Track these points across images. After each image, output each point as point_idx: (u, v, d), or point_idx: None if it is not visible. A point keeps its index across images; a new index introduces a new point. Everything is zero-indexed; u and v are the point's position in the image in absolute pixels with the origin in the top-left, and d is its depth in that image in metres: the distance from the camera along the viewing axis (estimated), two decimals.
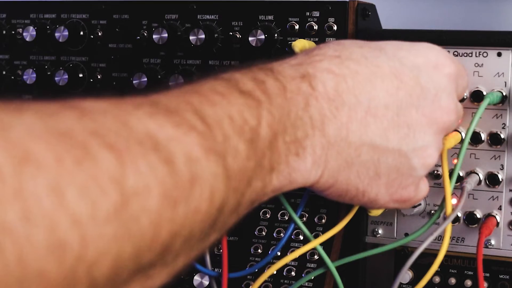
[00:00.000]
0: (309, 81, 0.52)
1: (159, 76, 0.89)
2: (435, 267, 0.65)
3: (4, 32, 0.97)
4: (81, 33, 0.94)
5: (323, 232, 0.76)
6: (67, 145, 0.34)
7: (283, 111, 0.49)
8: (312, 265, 0.79)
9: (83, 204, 0.33)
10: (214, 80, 0.48)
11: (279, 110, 0.49)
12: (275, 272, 0.81)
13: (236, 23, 0.87)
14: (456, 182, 0.72)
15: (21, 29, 0.96)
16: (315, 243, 0.69)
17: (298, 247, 0.78)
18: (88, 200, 0.33)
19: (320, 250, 0.70)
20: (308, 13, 0.83)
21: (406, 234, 0.80)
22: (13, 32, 0.97)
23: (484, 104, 0.72)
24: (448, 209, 0.64)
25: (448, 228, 0.64)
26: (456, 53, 0.77)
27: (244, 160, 0.45)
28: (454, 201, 0.76)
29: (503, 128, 0.76)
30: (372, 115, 0.54)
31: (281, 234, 0.81)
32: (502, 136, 0.76)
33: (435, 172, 0.78)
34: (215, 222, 0.44)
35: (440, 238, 0.66)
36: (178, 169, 0.39)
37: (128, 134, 0.38)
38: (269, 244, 0.82)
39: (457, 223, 0.78)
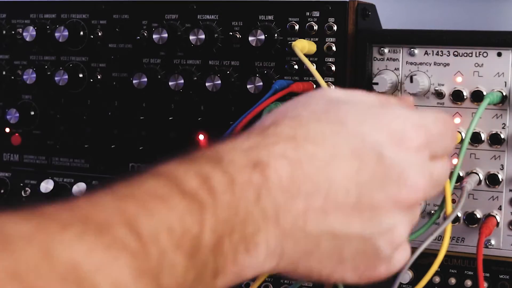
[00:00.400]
0: (261, 170, 0.47)
1: (159, 76, 0.89)
2: (435, 267, 0.65)
3: (4, 32, 0.97)
4: (81, 33, 0.93)
5: None
6: None
7: (230, 210, 0.45)
8: None
9: None
10: (154, 178, 0.44)
11: (226, 210, 0.44)
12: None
13: (236, 23, 0.87)
14: (456, 182, 0.72)
15: (21, 29, 0.96)
16: None
17: None
18: None
19: None
20: (308, 13, 0.83)
21: None
22: (13, 32, 0.97)
23: (484, 104, 0.72)
24: (448, 209, 0.64)
25: (448, 228, 0.64)
26: (456, 53, 0.77)
27: (182, 275, 0.41)
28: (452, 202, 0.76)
29: (503, 128, 0.76)
30: (331, 202, 0.49)
31: None
32: (502, 136, 0.76)
33: None
34: None
35: (440, 238, 0.65)
36: None
37: (50, 271, 0.35)
38: None
39: (457, 223, 0.78)
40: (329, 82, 0.83)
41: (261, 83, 0.83)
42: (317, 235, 0.49)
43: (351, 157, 0.50)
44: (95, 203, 0.40)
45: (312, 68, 0.76)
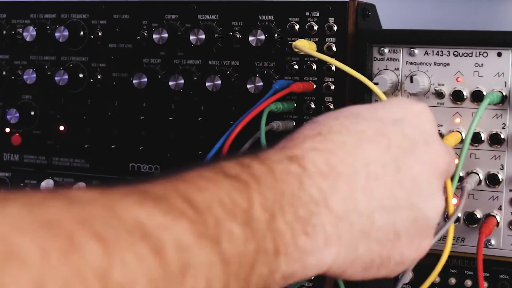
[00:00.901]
0: (298, 162, 0.49)
1: (159, 76, 0.89)
2: (439, 268, 0.65)
3: (4, 32, 0.97)
4: (81, 33, 0.93)
5: None
6: (54, 237, 0.34)
7: (275, 191, 0.47)
8: None
9: None
10: (199, 167, 0.47)
11: (271, 191, 0.46)
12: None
13: (236, 23, 0.87)
14: (457, 182, 0.72)
15: (21, 29, 0.96)
16: None
17: None
18: None
19: None
20: (308, 13, 0.83)
21: None
22: (13, 32, 0.97)
23: (484, 104, 0.72)
24: (450, 209, 0.64)
25: (451, 228, 0.64)
26: (456, 53, 0.77)
27: (242, 244, 0.43)
28: (454, 201, 0.76)
29: (503, 128, 0.76)
30: (373, 179, 0.52)
31: None
32: (502, 136, 0.76)
33: None
34: None
35: (444, 238, 0.65)
36: (168, 259, 0.38)
37: (116, 223, 0.37)
38: None
39: (457, 223, 0.78)
40: (329, 82, 0.83)
41: (261, 83, 0.83)
42: (369, 213, 0.51)
43: (378, 137, 0.53)
44: (149, 183, 0.43)
45: (322, 55, 0.77)
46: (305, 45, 0.81)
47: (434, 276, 0.66)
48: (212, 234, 0.41)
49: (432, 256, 0.64)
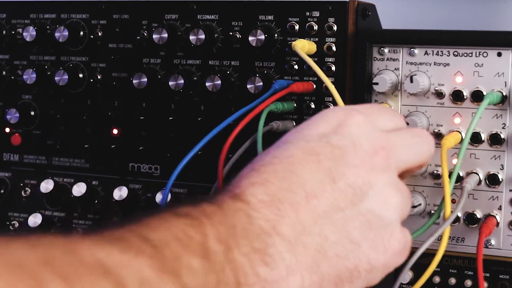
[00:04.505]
0: (240, 198, 0.51)
1: (159, 76, 0.89)
2: (433, 266, 0.65)
3: (4, 32, 0.97)
4: (81, 33, 0.93)
5: None
6: (20, 277, 0.34)
7: (227, 226, 0.48)
8: None
9: None
10: (149, 214, 0.47)
11: (223, 225, 0.48)
12: None
13: (236, 23, 0.87)
14: (456, 182, 0.72)
15: (21, 29, 0.96)
16: None
17: None
18: None
19: None
20: (308, 13, 0.83)
21: None
22: (13, 32, 0.97)
23: (484, 104, 0.72)
24: (448, 210, 0.64)
25: (446, 228, 0.64)
26: (456, 53, 0.77)
27: (202, 276, 0.44)
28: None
29: (503, 128, 0.76)
30: (313, 197, 0.52)
31: None
32: (502, 136, 0.76)
33: (435, 172, 0.78)
34: None
35: (440, 238, 0.65)
36: None
37: (78, 262, 0.38)
38: None
39: (457, 223, 0.78)
40: None
41: (261, 83, 0.83)
42: (319, 231, 0.51)
43: (306, 155, 0.54)
44: (103, 227, 0.44)
45: (315, 66, 0.76)
46: (305, 45, 0.81)
47: (427, 276, 0.66)
48: (172, 268, 0.42)
49: (432, 256, 0.65)
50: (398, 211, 0.56)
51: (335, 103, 0.79)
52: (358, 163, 0.54)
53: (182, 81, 0.87)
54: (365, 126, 0.57)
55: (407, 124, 0.77)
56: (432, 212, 0.79)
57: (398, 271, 0.63)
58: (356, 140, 0.55)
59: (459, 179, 0.76)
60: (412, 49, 0.79)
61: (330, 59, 0.83)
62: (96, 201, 0.94)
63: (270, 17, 0.85)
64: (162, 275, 0.41)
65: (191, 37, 0.86)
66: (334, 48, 0.82)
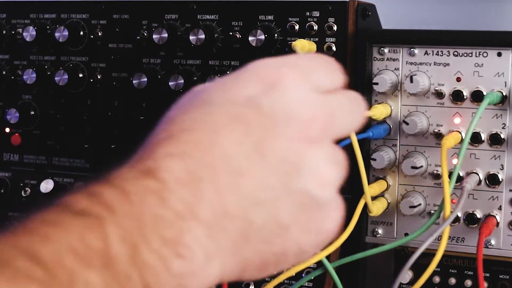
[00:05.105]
0: (153, 175, 0.43)
1: (159, 76, 0.89)
2: (433, 266, 0.65)
3: (4, 32, 0.97)
4: (81, 33, 0.94)
5: None
6: None
7: (134, 217, 0.41)
8: (312, 265, 0.79)
9: None
10: (44, 210, 0.41)
11: (129, 219, 0.41)
12: (274, 272, 0.81)
13: (236, 23, 0.87)
14: (456, 182, 0.72)
15: (21, 29, 0.96)
16: (321, 255, 0.69)
17: None
18: None
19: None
20: (308, 13, 0.83)
21: (406, 234, 0.80)
22: (13, 32, 0.97)
23: (484, 104, 0.72)
24: (447, 210, 0.64)
25: (446, 228, 0.64)
26: (456, 53, 0.77)
27: None
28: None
29: (503, 128, 0.76)
30: (237, 175, 0.45)
31: None
32: (502, 136, 0.76)
33: (435, 172, 0.78)
34: None
35: (440, 238, 0.66)
36: None
37: None
38: None
39: (457, 223, 0.78)
40: None
41: None
42: (243, 214, 0.45)
43: (232, 123, 0.46)
44: None
45: None
46: (305, 45, 0.81)
47: (427, 276, 0.66)
48: None
49: (432, 256, 0.65)
50: (336, 186, 0.49)
51: None
52: (291, 135, 0.47)
53: (182, 81, 0.87)
54: (301, 87, 0.49)
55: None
56: (432, 212, 0.79)
57: (398, 271, 0.63)
58: (291, 107, 0.47)
59: (459, 179, 0.76)
60: (412, 49, 0.79)
61: None
62: None
63: (270, 17, 0.85)
64: None
65: (191, 37, 0.86)
66: (334, 48, 0.82)
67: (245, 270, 0.47)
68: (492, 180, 0.76)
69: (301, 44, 0.80)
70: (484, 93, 0.75)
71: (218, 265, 0.45)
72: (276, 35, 0.84)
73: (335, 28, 0.82)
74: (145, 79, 0.89)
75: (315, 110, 0.48)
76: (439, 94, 0.77)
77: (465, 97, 0.76)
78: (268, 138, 0.46)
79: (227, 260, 0.45)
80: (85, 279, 0.38)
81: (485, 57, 0.76)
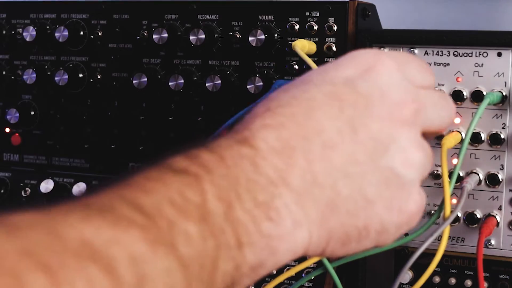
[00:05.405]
0: (248, 143, 0.46)
1: (159, 76, 0.89)
2: (433, 266, 0.65)
3: (4, 32, 0.97)
4: (81, 33, 0.94)
5: None
6: None
7: (229, 179, 0.44)
8: (312, 265, 0.79)
9: None
10: (145, 169, 0.44)
11: (224, 180, 0.44)
12: (274, 272, 0.81)
13: (236, 23, 0.87)
14: (456, 182, 0.72)
15: (21, 29, 0.96)
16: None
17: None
18: None
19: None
20: (308, 13, 0.83)
21: (406, 234, 0.79)
22: (13, 32, 0.97)
23: (484, 104, 0.72)
24: (447, 210, 0.64)
25: (446, 228, 0.64)
26: (456, 53, 0.77)
27: (200, 243, 0.41)
28: (454, 201, 0.76)
29: (503, 128, 0.76)
30: (329, 147, 0.48)
31: None
32: (502, 136, 0.76)
33: (435, 172, 0.78)
34: None
35: (440, 238, 0.65)
36: (122, 276, 0.36)
37: (61, 247, 0.35)
38: None
39: (457, 223, 0.78)
40: None
41: (261, 83, 0.83)
42: (332, 184, 0.48)
43: (328, 100, 0.49)
44: (93, 195, 0.40)
45: (315, 66, 0.76)
46: (305, 45, 0.81)
47: (427, 276, 0.66)
48: (166, 238, 0.39)
49: (432, 256, 0.65)
50: (419, 171, 0.52)
51: None
52: (383, 115, 0.50)
53: (182, 81, 0.87)
54: (396, 75, 0.52)
55: None
56: (432, 212, 0.79)
57: (398, 271, 0.63)
58: (385, 90, 0.51)
59: (459, 179, 0.76)
60: (412, 49, 0.79)
61: (330, 59, 0.83)
62: None
63: (270, 17, 0.85)
64: (156, 248, 0.38)
65: (191, 37, 0.86)
66: (334, 48, 0.82)
67: (328, 243, 0.49)
68: (492, 180, 0.76)
69: (301, 44, 0.80)
70: (484, 93, 0.76)
71: (305, 233, 0.47)
72: (276, 35, 0.84)
73: (335, 28, 0.82)
74: (145, 79, 0.89)
75: (406, 96, 0.52)
76: None
77: (465, 97, 0.76)
78: (361, 116, 0.49)
79: (313, 229, 0.47)
80: (184, 228, 0.40)
81: (485, 57, 0.76)
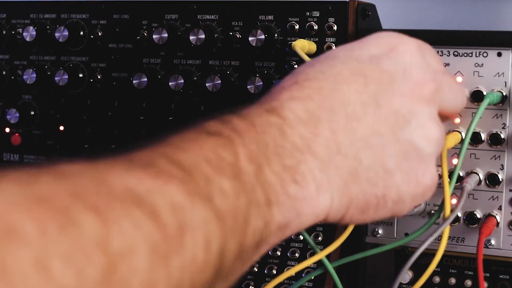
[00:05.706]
0: (276, 113, 0.50)
1: (159, 76, 0.89)
2: (433, 266, 0.65)
3: (4, 32, 0.97)
4: (81, 33, 0.94)
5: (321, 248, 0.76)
6: (49, 212, 0.34)
7: (259, 143, 0.47)
8: (312, 265, 0.79)
9: (70, 275, 0.32)
10: (181, 131, 0.48)
11: (254, 143, 0.47)
12: (275, 272, 0.81)
13: (236, 23, 0.87)
14: (456, 182, 0.72)
15: (21, 29, 0.96)
16: (321, 255, 0.69)
17: (299, 257, 0.77)
18: (75, 269, 0.32)
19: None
20: (308, 13, 0.83)
21: (406, 234, 0.80)
22: (13, 32, 0.97)
23: (484, 104, 0.72)
24: (447, 210, 0.64)
25: (446, 228, 0.64)
26: (456, 53, 0.77)
27: (233, 198, 0.43)
28: (454, 201, 0.76)
29: (503, 128, 0.76)
30: (353, 119, 0.51)
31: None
32: (502, 136, 0.76)
33: None
34: (218, 271, 0.42)
35: (440, 238, 0.66)
36: (164, 220, 0.38)
37: (108, 193, 0.37)
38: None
39: (457, 223, 0.78)
40: None
41: (261, 83, 0.83)
42: (354, 153, 0.51)
43: (354, 76, 0.53)
44: (134, 151, 0.43)
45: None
46: (305, 45, 0.81)
47: (427, 276, 0.66)
48: (203, 191, 0.42)
49: (432, 256, 0.65)
50: (436, 146, 0.55)
51: None
52: (405, 92, 0.54)
53: (182, 81, 0.87)
54: (417, 56, 0.57)
55: None
56: (432, 212, 0.79)
57: (398, 271, 0.63)
58: (407, 68, 0.55)
59: (459, 179, 0.76)
60: None
61: None
62: None
63: (270, 17, 0.85)
64: (194, 199, 0.41)
65: (191, 37, 0.86)
66: (334, 48, 0.82)
67: (348, 209, 0.52)
68: (492, 180, 0.76)
69: (301, 44, 0.80)
70: (484, 93, 0.75)
71: (328, 198, 0.50)
72: (276, 35, 0.84)
73: (335, 28, 0.82)
74: (145, 79, 0.89)
75: (426, 75, 0.56)
76: None
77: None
78: (384, 91, 0.53)
79: (335, 195, 0.51)
80: (219, 183, 0.43)
81: (485, 57, 0.76)
